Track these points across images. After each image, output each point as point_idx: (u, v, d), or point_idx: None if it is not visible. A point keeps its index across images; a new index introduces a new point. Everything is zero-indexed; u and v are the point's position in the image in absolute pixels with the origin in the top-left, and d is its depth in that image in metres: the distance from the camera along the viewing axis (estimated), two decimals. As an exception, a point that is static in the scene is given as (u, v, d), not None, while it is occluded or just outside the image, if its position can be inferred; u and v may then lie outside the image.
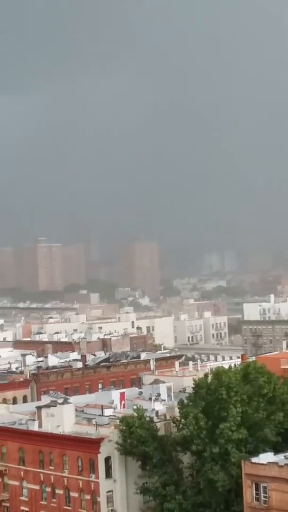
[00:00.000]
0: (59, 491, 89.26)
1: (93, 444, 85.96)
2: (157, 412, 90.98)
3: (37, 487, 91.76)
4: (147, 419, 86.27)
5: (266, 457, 75.76)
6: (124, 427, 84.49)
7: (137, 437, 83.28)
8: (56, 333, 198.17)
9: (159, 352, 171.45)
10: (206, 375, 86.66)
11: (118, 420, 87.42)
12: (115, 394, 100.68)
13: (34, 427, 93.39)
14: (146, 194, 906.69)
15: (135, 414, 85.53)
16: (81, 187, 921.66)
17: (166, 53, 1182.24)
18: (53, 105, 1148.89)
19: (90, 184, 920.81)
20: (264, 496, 74.31)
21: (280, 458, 76.20)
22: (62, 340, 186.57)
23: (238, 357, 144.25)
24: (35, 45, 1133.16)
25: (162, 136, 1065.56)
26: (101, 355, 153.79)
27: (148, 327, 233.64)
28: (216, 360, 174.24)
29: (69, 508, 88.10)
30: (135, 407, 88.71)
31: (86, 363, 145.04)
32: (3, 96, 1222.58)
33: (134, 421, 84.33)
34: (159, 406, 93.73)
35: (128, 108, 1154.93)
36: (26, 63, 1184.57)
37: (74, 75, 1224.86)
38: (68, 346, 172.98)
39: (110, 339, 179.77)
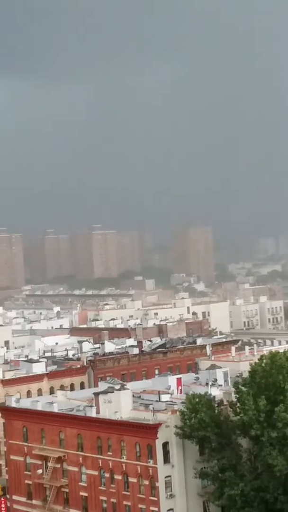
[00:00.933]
0: (118, 477, 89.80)
1: (151, 429, 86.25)
2: (214, 397, 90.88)
3: (96, 473, 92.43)
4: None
5: None
6: (186, 409, 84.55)
7: (199, 421, 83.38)
8: (112, 319, 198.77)
9: (215, 337, 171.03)
10: (261, 359, 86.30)
11: (176, 405, 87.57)
12: (172, 379, 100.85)
13: (92, 413, 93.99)
14: (200, 179, 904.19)
15: (196, 399, 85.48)
16: (136, 173, 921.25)
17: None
18: (107, 91, 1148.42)
19: (144, 170, 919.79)
20: None
21: None
22: (118, 326, 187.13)
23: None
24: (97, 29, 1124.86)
25: (219, 121, 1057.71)
26: (157, 341, 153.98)
27: (203, 313, 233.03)
28: (272, 344, 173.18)
29: (128, 493, 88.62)
30: (191, 392, 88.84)
31: (143, 349, 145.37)
32: (58, 82, 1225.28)
33: (198, 403, 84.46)
34: (215, 391, 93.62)
35: (185, 93, 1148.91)
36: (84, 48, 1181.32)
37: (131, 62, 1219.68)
38: (124, 332, 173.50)
39: (166, 325, 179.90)
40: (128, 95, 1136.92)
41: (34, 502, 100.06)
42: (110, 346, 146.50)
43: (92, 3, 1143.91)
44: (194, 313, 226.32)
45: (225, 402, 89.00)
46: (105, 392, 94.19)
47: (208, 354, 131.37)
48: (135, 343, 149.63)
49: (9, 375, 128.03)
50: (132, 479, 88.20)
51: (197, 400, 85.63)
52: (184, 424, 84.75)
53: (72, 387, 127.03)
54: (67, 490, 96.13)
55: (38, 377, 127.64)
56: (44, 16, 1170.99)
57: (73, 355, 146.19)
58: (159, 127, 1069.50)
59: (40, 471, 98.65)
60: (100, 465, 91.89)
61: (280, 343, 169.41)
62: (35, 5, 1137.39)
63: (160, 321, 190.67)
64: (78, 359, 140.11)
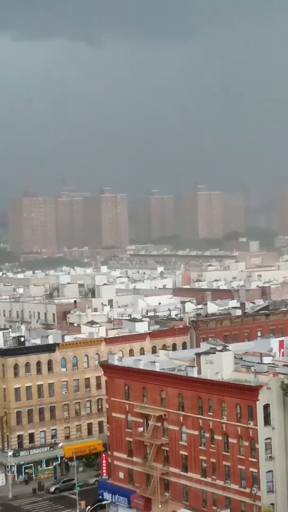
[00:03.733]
0: (218, 437, 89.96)
1: (252, 391, 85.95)
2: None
3: (196, 433, 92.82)
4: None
5: None
6: None
7: None
8: (215, 280, 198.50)
9: None
10: None
11: (278, 368, 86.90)
12: (274, 342, 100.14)
13: (193, 373, 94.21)
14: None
15: None
16: (241, 133, 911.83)
17: None
18: (216, 50, 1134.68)
19: (249, 130, 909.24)
20: None
21: None
22: (221, 288, 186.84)
23: None
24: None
25: None
26: (260, 303, 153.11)
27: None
28: None
29: (228, 454, 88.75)
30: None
31: (245, 311, 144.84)
32: (164, 41, 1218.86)
33: None
34: None
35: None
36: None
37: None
38: (227, 293, 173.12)
39: (269, 287, 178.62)
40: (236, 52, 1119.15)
41: (134, 459, 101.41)
42: (212, 307, 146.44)
43: None
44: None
45: None
46: (207, 353, 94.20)
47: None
48: (238, 305, 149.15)
49: (112, 334, 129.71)
50: (232, 440, 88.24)
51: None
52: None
53: (174, 347, 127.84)
54: (167, 449, 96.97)
55: (140, 336, 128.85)
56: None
57: (176, 315, 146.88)
58: (267, 87, 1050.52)
59: (141, 429, 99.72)
60: (201, 425, 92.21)
61: None
62: None
63: (264, 283, 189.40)
64: (181, 319, 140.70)
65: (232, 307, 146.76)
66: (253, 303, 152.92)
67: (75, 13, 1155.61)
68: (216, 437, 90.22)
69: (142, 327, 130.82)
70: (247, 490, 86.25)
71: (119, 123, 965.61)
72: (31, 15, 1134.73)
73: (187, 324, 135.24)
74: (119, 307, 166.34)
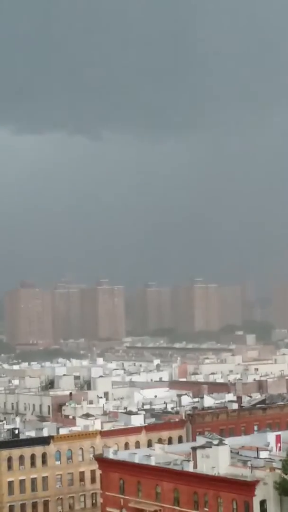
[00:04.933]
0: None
1: (249, 486, 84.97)
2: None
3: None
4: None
5: None
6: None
7: None
8: (212, 373, 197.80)
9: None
10: None
11: (274, 463, 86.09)
12: (271, 436, 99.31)
13: (189, 468, 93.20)
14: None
15: None
16: (238, 226, 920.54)
17: None
18: (215, 143, 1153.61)
19: (247, 224, 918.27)
20: None
21: None
22: (217, 381, 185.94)
23: None
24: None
25: None
26: (257, 396, 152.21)
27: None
28: None
29: None
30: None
31: (242, 405, 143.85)
32: (163, 133, 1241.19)
33: None
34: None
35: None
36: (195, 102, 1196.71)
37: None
38: (223, 387, 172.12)
39: (266, 380, 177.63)
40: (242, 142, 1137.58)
41: None
42: (209, 401, 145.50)
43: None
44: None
45: None
46: (203, 447, 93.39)
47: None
48: (235, 398, 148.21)
49: (107, 427, 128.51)
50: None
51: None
52: (283, 480, 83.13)
53: (170, 441, 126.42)
54: None
55: (136, 430, 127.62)
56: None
57: (172, 408, 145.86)
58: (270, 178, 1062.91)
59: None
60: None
61: None
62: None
63: (261, 376, 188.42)
64: (177, 412, 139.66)
65: (229, 401, 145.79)
66: (250, 396, 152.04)
67: (76, 106, 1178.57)
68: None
69: (137, 420, 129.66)
70: None
71: (117, 216, 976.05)
72: (31, 109, 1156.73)
73: (183, 418, 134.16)
74: (114, 399, 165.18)
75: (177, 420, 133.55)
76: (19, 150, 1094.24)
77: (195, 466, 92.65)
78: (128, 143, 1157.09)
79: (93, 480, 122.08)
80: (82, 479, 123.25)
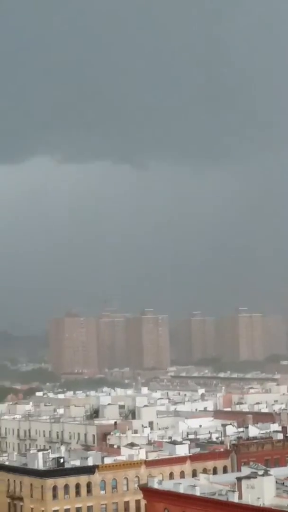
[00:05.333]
0: None
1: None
2: None
3: None
4: None
5: None
6: None
7: None
8: (257, 403, 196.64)
9: None
10: None
11: None
12: None
13: (234, 498, 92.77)
14: None
15: None
16: (282, 255, 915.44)
17: None
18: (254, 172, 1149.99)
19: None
20: None
21: None
22: (262, 410, 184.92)
23: None
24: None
25: None
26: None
27: None
28: None
29: None
30: None
31: (287, 435, 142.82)
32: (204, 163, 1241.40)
33: None
34: None
35: None
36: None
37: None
38: (268, 417, 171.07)
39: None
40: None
41: None
42: (254, 431, 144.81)
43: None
44: None
45: None
46: (248, 477, 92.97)
47: None
48: (280, 428, 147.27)
49: (152, 456, 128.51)
50: None
51: None
52: None
53: (215, 471, 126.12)
54: None
55: (181, 459, 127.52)
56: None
57: (217, 438, 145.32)
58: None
59: None
60: None
61: None
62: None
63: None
64: (222, 442, 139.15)
65: (274, 431, 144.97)
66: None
67: (119, 135, 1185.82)
68: None
69: (182, 450, 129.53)
70: None
71: (161, 245, 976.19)
72: (76, 138, 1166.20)
73: (228, 448, 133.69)
74: (159, 429, 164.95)
75: (222, 450, 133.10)
76: (64, 178, 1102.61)
77: (240, 497, 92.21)
78: (172, 173, 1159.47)
79: (137, 509, 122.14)
80: (127, 508, 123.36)
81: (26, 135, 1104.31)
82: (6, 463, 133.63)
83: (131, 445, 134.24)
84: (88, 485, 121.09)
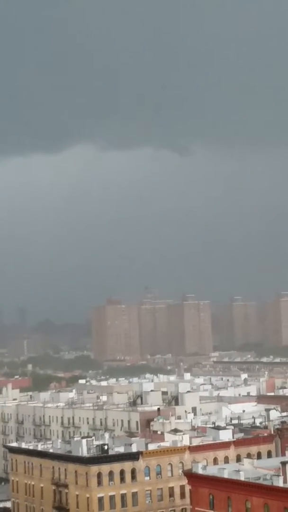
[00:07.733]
0: None
1: None
2: None
3: None
4: None
5: None
6: None
7: None
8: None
9: None
10: None
11: None
12: None
13: (279, 483, 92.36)
14: None
15: None
16: None
17: None
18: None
19: None
20: None
21: None
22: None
23: None
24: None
25: None
26: None
27: None
28: None
29: None
30: None
31: None
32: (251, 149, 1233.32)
33: None
34: None
35: None
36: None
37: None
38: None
39: None
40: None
41: None
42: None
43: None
44: None
45: None
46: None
47: None
48: None
49: (196, 442, 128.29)
50: None
51: None
52: None
53: (259, 455, 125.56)
54: None
55: (225, 445, 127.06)
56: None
57: (260, 423, 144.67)
58: None
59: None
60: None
61: None
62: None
63: None
64: (265, 427, 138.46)
65: None
66: None
67: (162, 121, 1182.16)
68: None
69: (226, 435, 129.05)
70: None
71: (204, 229, 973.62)
72: (118, 124, 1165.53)
73: (272, 432, 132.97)
74: (202, 414, 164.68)
75: (265, 434, 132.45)
76: (105, 166, 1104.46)
77: (285, 481, 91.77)
78: (219, 157, 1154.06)
79: (182, 495, 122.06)
80: (171, 494, 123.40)
81: (68, 124, 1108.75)
82: (51, 450, 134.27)
83: (175, 431, 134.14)
84: (133, 472, 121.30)
